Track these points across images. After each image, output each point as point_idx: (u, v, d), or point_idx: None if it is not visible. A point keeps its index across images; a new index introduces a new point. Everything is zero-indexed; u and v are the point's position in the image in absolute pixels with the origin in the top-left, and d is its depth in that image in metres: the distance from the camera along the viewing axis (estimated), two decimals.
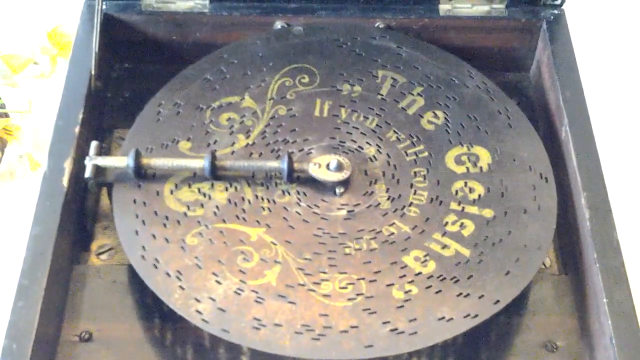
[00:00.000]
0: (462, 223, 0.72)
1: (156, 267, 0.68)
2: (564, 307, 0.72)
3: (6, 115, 0.95)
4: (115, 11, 0.86)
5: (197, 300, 0.67)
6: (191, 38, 0.87)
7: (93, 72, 0.80)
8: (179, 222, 0.71)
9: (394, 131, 0.78)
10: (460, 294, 0.68)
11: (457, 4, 0.88)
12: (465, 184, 0.75)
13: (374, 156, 0.76)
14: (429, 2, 0.87)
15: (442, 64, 0.83)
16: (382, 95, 0.80)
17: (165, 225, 0.70)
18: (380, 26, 0.86)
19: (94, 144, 0.74)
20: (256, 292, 0.67)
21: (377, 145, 0.77)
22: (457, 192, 0.74)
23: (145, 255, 0.69)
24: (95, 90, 0.81)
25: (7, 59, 0.97)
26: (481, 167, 0.76)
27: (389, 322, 0.67)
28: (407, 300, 0.68)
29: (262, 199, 0.73)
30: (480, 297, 0.68)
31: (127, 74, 0.88)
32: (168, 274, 0.68)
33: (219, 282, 0.68)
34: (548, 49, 0.85)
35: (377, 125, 0.78)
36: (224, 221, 0.71)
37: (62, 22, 1.01)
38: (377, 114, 0.79)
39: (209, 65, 0.81)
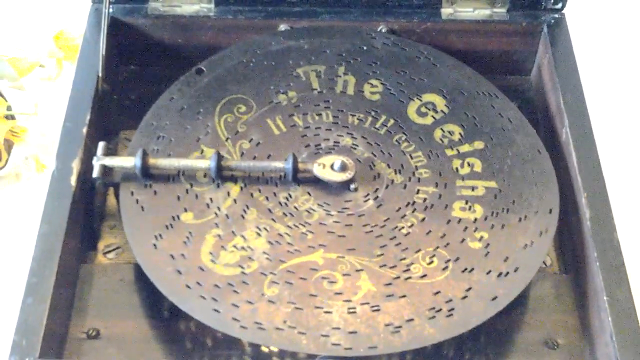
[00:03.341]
0: (468, 163, 0.76)
1: (264, 329, 0.66)
2: (565, 305, 0.73)
3: (12, 118, 0.95)
4: (122, 15, 0.87)
5: (326, 336, 0.66)
6: (196, 41, 0.89)
7: (100, 75, 0.81)
8: (245, 282, 0.69)
9: (351, 115, 0.80)
10: (520, 219, 0.73)
11: (459, 7, 0.89)
12: (442, 130, 0.78)
13: (353, 144, 0.77)
14: (431, 6, 0.88)
15: (343, 39, 0.85)
16: (317, 89, 0.81)
17: (236, 292, 0.68)
18: (383, 30, 0.87)
19: (101, 144, 0.75)
20: (367, 304, 0.68)
21: (348, 133, 0.78)
22: (441, 139, 0.78)
23: (243, 324, 0.67)
24: (102, 92, 0.82)
25: (14, 62, 0.98)
26: (442, 110, 0.80)
27: (490, 271, 0.70)
28: (487, 246, 0.71)
29: (296, 226, 0.72)
30: (536, 213, 0.73)
31: (133, 76, 0.89)
32: (280, 329, 0.67)
33: (329, 312, 0.67)
34: (549, 52, 0.86)
35: (333, 117, 0.80)
36: (282, 262, 0.70)
37: (68, 26, 1.02)
38: (325, 107, 0.80)
39: (146, 137, 0.77)
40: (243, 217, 0.73)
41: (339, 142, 0.78)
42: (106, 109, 0.84)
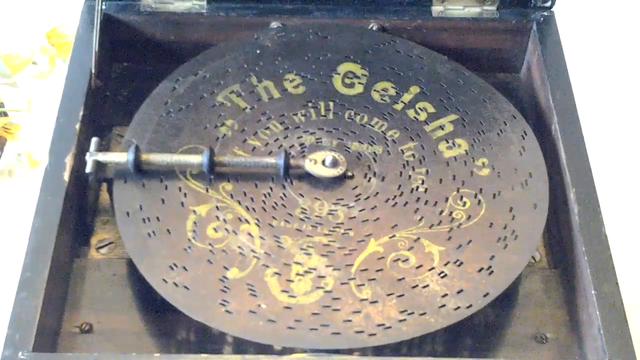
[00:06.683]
0: (420, 108, 0.80)
1: (390, 327, 0.66)
2: (554, 299, 0.74)
3: (5, 114, 0.96)
4: (115, 11, 0.88)
5: (443, 306, 0.67)
6: (189, 38, 0.89)
7: (93, 71, 0.81)
8: (336, 298, 0.68)
9: (294, 114, 0.80)
10: (497, 134, 0.78)
11: (450, 5, 0.89)
12: (376, 91, 0.82)
13: (316, 139, 0.78)
14: (422, 3, 0.89)
15: (235, 53, 0.84)
16: (247, 107, 0.80)
17: (337, 309, 0.67)
18: (374, 27, 0.88)
19: (94, 140, 0.75)
20: (449, 262, 0.70)
21: (305, 131, 0.78)
22: (382, 99, 0.82)
23: (370, 332, 0.66)
24: (95, 89, 0.82)
25: (7, 59, 0.99)
26: (363, 74, 0.83)
27: (512, 186, 0.74)
28: (493, 168, 0.76)
29: (332, 230, 0.72)
30: (505, 124, 0.79)
31: (126, 72, 0.89)
32: (403, 320, 0.67)
33: (426, 286, 0.69)
34: (538, 50, 0.87)
35: (281, 124, 0.79)
36: (350, 265, 0.70)
37: (61, 23, 1.02)
38: (267, 119, 0.79)
39: (132, 224, 0.72)
40: (281, 247, 0.71)
41: (304, 143, 0.77)
42: (99, 106, 0.84)
